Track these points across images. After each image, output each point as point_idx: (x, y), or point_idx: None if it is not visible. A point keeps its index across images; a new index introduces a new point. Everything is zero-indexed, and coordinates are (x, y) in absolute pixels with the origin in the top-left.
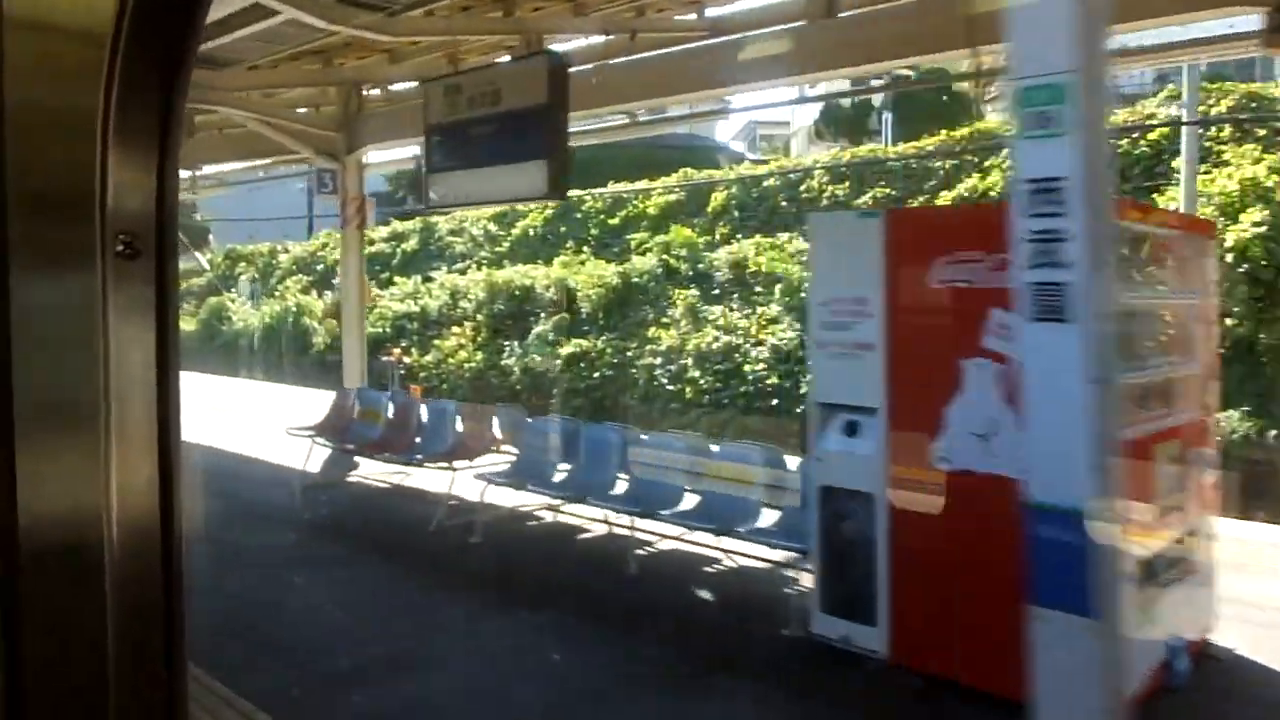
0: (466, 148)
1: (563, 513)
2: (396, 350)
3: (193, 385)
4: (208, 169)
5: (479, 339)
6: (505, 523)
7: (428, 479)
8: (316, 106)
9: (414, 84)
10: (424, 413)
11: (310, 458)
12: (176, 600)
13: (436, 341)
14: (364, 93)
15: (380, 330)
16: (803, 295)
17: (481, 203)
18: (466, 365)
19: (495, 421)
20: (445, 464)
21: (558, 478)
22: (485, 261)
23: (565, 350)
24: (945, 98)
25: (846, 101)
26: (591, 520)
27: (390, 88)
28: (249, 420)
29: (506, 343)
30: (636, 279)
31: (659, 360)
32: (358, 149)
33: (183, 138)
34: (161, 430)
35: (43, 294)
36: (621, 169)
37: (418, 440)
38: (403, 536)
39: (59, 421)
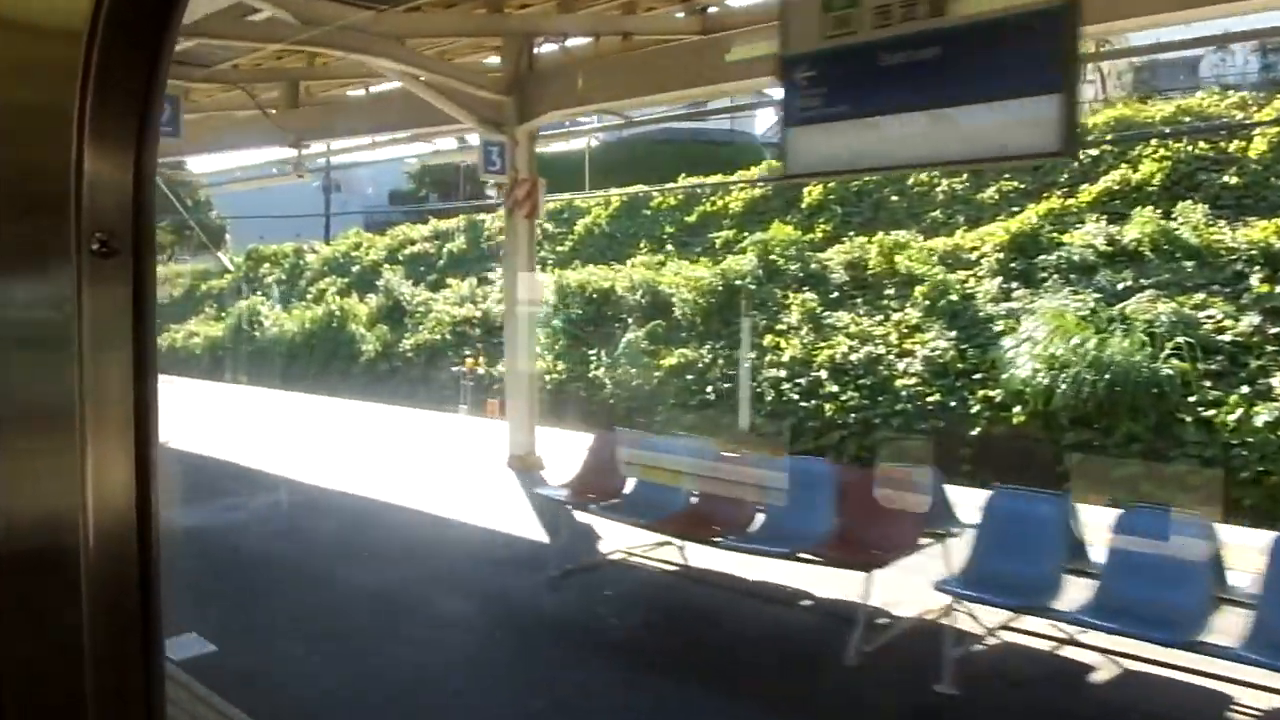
0: (879, 85)
1: (1015, 630)
2: (470, 360)
3: (258, 402)
4: (319, 145)
5: (557, 347)
6: (971, 656)
7: (740, 561)
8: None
9: (587, 39)
10: (765, 473)
11: (517, 516)
12: (153, 600)
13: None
14: (534, 50)
15: (439, 337)
16: (952, 299)
17: (905, 166)
18: (548, 377)
19: (914, 493)
20: (859, 565)
21: (1079, 597)
22: (547, 262)
23: (668, 361)
24: None
25: None
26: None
27: (565, 44)
28: (367, 446)
29: (590, 351)
30: (738, 281)
31: (784, 373)
32: (531, 117)
33: (159, 135)
34: (139, 429)
35: (17, 291)
36: (663, 165)
37: (759, 516)
38: (808, 679)
39: (34, 421)
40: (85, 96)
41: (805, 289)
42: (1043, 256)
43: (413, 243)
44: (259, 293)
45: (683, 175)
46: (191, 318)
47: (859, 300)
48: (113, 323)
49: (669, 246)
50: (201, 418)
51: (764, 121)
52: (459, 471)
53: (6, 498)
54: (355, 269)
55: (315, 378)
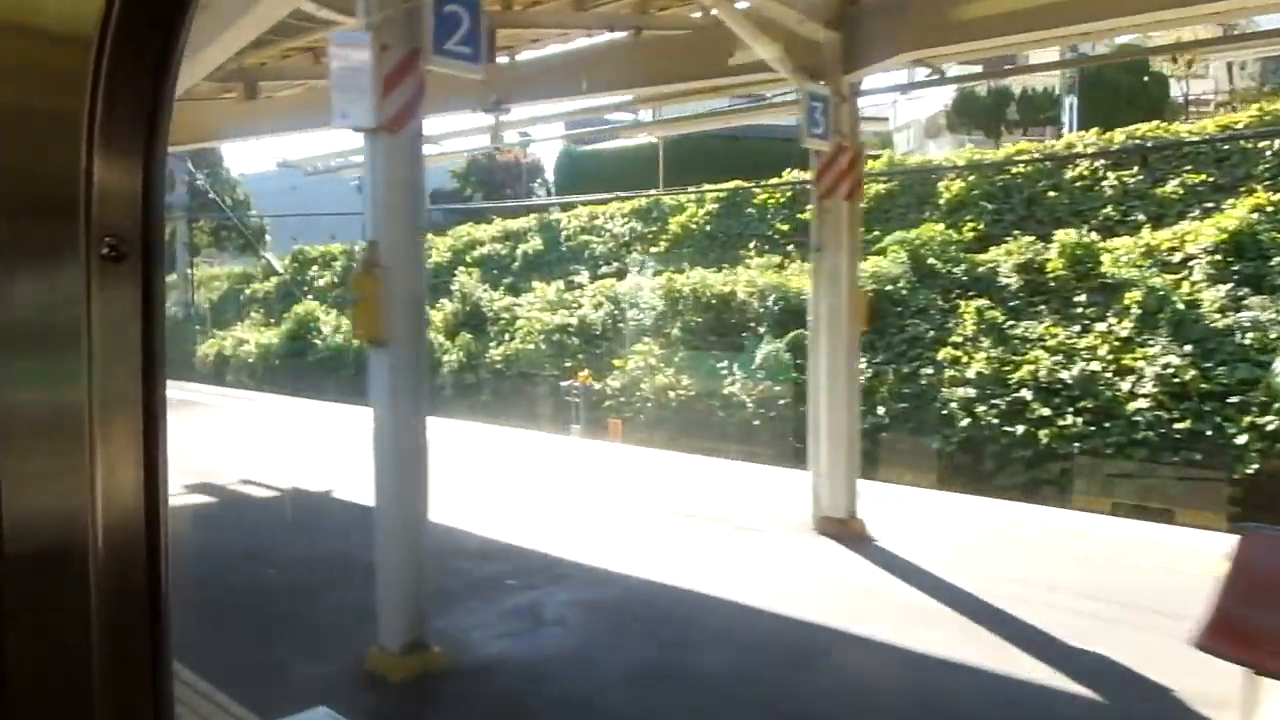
0: None
1: None
2: (582, 373)
3: (347, 422)
4: (524, 109)
5: (678, 358)
6: None
7: None
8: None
9: None
10: None
11: (936, 624)
12: (161, 604)
13: (617, 362)
14: None
15: (531, 347)
16: (1178, 307)
17: None
18: (672, 393)
19: None
20: None
21: None
22: (646, 264)
23: None
24: (1146, 78)
25: (982, 89)
26: None
27: None
28: (549, 487)
29: (718, 364)
30: (887, 286)
31: (973, 392)
32: (859, 65)
33: (168, 137)
34: (147, 434)
35: (26, 296)
36: (719, 162)
37: None
38: None
39: (43, 425)
40: (95, 100)
41: (971, 295)
42: (1278, 259)
43: (480, 244)
44: (309, 295)
45: (786, 172)
46: (236, 324)
47: (1041, 308)
48: (122, 326)
49: (789, 247)
50: (309, 447)
51: None
52: (751, 539)
53: (15, 501)
54: None
55: None
